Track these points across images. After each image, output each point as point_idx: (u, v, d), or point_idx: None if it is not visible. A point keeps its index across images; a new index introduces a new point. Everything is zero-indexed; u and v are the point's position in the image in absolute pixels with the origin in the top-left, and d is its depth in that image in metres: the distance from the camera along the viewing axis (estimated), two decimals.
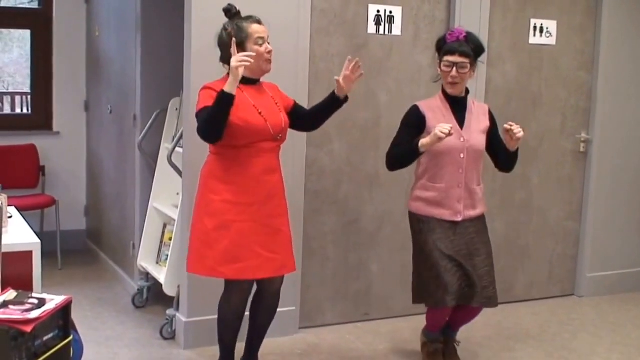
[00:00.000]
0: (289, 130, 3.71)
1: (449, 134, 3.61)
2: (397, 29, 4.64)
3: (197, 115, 3.46)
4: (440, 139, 3.62)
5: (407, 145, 3.81)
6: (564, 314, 5.15)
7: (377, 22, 4.58)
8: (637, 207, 5.65)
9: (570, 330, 4.83)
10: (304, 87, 4.36)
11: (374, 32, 4.58)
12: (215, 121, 3.35)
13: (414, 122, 3.86)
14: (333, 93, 3.70)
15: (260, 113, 3.48)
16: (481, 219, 3.98)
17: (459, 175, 3.84)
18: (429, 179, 3.87)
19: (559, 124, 5.31)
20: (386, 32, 4.62)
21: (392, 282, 4.81)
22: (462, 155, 3.83)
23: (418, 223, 3.92)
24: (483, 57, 3.93)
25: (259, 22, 3.51)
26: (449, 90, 3.85)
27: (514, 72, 5.06)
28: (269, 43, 3.51)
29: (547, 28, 5.15)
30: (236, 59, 3.30)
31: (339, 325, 4.69)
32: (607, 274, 5.57)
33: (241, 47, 3.44)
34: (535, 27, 5.12)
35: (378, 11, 4.57)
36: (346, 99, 3.71)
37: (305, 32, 4.35)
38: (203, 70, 4.04)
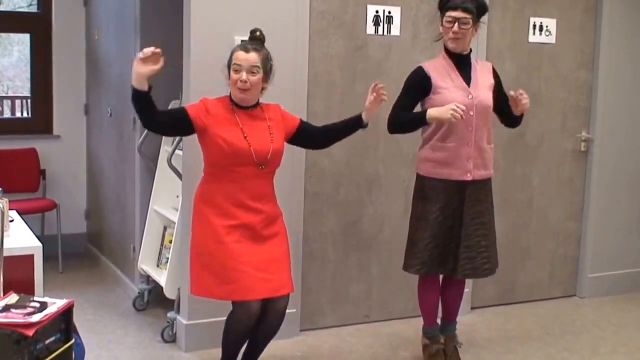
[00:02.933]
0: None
1: (461, 117, 3.62)
2: (395, 29, 4.64)
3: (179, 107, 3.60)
4: (449, 120, 3.63)
5: (412, 112, 3.82)
6: (566, 315, 5.14)
7: (376, 22, 4.58)
8: (639, 206, 5.64)
9: (572, 332, 4.82)
10: (303, 89, 4.36)
11: (373, 32, 4.58)
12: (136, 110, 3.45)
13: (419, 85, 3.85)
14: (360, 117, 3.68)
15: (245, 137, 3.48)
16: (488, 182, 3.98)
17: (468, 134, 3.82)
18: (438, 139, 3.84)
19: (559, 123, 5.31)
20: (385, 33, 4.61)
21: (393, 284, 4.81)
22: (471, 113, 3.81)
23: (424, 189, 3.91)
24: (485, 18, 3.91)
25: (246, 49, 3.48)
26: (451, 46, 3.84)
27: (513, 71, 5.05)
28: (253, 73, 3.46)
29: (546, 26, 5.15)
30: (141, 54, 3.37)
31: (340, 328, 4.69)
32: (609, 274, 5.56)
33: (228, 71, 3.52)
34: (534, 26, 5.12)
35: (377, 12, 4.57)
36: (366, 125, 3.72)
37: (304, 34, 4.34)
38: (202, 73, 4.04)
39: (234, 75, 3.48)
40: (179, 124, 3.52)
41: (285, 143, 3.66)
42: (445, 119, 3.68)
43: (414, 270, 3.96)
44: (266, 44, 3.58)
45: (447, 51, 3.88)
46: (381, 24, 4.59)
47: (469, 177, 3.86)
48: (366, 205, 4.72)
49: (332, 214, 4.62)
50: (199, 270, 3.57)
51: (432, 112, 3.72)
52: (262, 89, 3.56)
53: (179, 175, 4.38)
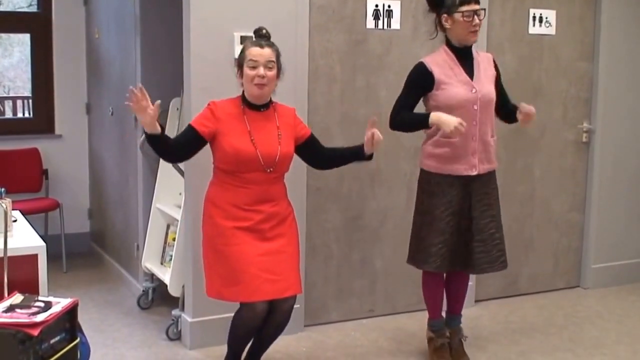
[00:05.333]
0: None
1: (460, 133, 3.63)
2: (396, 23, 4.63)
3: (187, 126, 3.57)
4: (451, 132, 3.62)
5: (415, 113, 3.81)
6: (570, 306, 5.14)
7: (376, 16, 4.57)
8: None
9: (576, 322, 4.83)
10: (303, 84, 4.36)
11: (373, 27, 4.57)
12: (157, 152, 3.47)
13: (421, 81, 3.83)
14: (362, 147, 3.61)
15: (252, 140, 3.45)
16: (493, 175, 3.98)
17: (473, 128, 3.81)
18: (443, 134, 3.80)
19: (561, 115, 5.30)
20: (385, 27, 4.61)
21: (397, 278, 4.81)
22: (475, 107, 3.80)
23: (430, 184, 3.89)
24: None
25: (260, 45, 3.46)
26: (472, 40, 3.82)
27: (513, 63, 5.05)
28: (270, 68, 3.44)
29: (546, 18, 5.14)
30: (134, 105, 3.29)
31: (344, 322, 4.69)
32: (613, 264, 5.56)
33: (240, 69, 3.49)
34: (534, 17, 5.11)
35: (376, 6, 4.56)
36: (371, 157, 3.65)
37: (304, 29, 4.34)
38: (203, 70, 4.04)
39: (250, 72, 3.43)
40: (193, 145, 3.49)
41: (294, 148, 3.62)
42: (446, 129, 3.65)
43: (428, 267, 3.91)
44: None
45: (449, 45, 3.87)
46: (381, 18, 4.59)
47: (474, 172, 3.85)
48: (369, 200, 4.72)
49: (335, 209, 4.62)
50: (209, 271, 3.58)
51: (435, 118, 3.69)
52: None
53: (182, 172, 4.38)
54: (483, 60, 3.94)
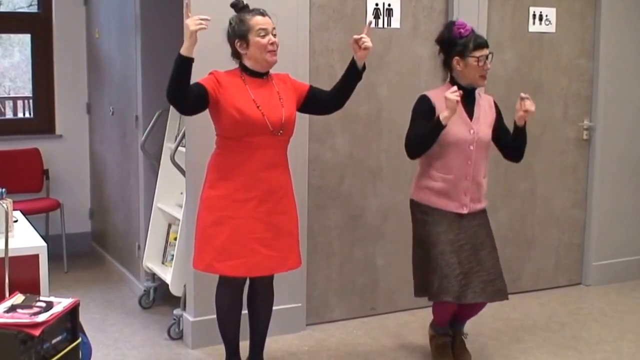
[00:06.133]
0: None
1: (460, 95, 3.64)
2: (396, 22, 4.63)
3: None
4: (456, 102, 3.63)
5: (425, 125, 3.79)
6: (572, 303, 5.14)
7: (376, 15, 4.57)
8: None
9: (578, 320, 4.82)
10: (305, 83, 4.35)
11: (373, 25, 4.56)
12: (175, 85, 3.35)
13: (426, 113, 3.82)
14: (353, 64, 3.66)
15: (258, 107, 3.46)
16: (484, 212, 3.97)
17: (467, 167, 3.83)
18: (437, 169, 3.83)
19: (561, 112, 5.30)
20: (385, 25, 4.60)
21: (398, 276, 4.81)
22: (471, 147, 3.82)
23: (422, 214, 3.90)
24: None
25: (262, 13, 3.49)
26: (481, 83, 3.85)
27: (514, 61, 5.04)
28: (274, 35, 3.49)
29: (546, 16, 5.14)
30: (193, 21, 3.29)
31: (346, 321, 4.69)
32: (614, 261, 5.56)
33: (244, 40, 3.47)
34: (534, 15, 5.11)
35: (377, 4, 4.56)
36: (364, 68, 3.69)
37: (305, 28, 4.34)
38: (203, 69, 4.03)
39: (261, 40, 3.44)
40: (199, 101, 3.46)
41: (296, 111, 3.65)
42: (453, 107, 3.66)
43: (446, 297, 3.76)
44: None
45: (454, 84, 3.83)
46: (381, 17, 4.59)
47: (465, 211, 3.85)
48: (370, 198, 4.71)
49: (337, 207, 4.62)
50: (201, 244, 3.56)
51: (444, 113, 3.69)
52: None
53: (183, 172, 4.38)
54: (484, 103, 3.95)
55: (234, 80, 3.52)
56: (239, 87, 3.49)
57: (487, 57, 3.79)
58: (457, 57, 3.80)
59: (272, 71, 3.63)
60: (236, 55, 3.55)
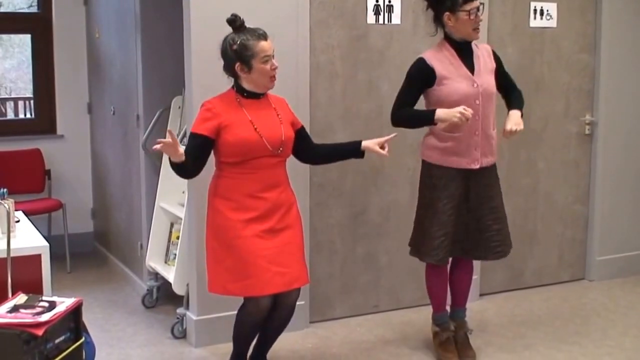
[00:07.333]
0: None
1: (467, 120, 3.63)
2: (396, 18, 4.62)
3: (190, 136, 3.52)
4: (457, 124, 3.62)
5: (419, 110, 3.81)
6: (575, 298, 5.13)
7: (377, 11, 4.56)
8: None
9: (582, 315, 4.82)
10: (305, 80, 4.35)
11: (374, 22, 4.56)
12: (182, 174, 3.47)
13: (422, 77, 3.82)
14: (359, 148, 3.70)
15: (256, 129, 3.44)
16: (494, 168, 3.98)
17: (475, 122, 3.80)
18: (446, 129, 3.77)
19: (563, 107, 5.29)
20: (386, 22, 4.60)
21: (401, 273, 4.81)
22: (477, 102, 3.79)
23: (431, 177, 3.90)
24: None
25: (265, 37, 3.43)
26: (475, 36, 3.83)
27: (515, 56, 5.03)
28: (273, 57, 3.46)
29: (547, 10, 5.13)
30: (160, 146, 3.25)
31: (349, 318, 4.69)
32: (618, 256, 5.55)
33: (247, 65, 3.41)
34: (535, 10, 5.10)
35: (377, 1, 4.55)
36: (363, 154, 3.73)
37: (305, 25, 4.33)
38: (204, 68, 4.03)
39: (265, 66, 3.42)
40: (204, 150, 3.46)
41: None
42: (452, 122, 3.65)
43: (430, 259, 3.93)
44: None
45: (448, 40, 3.86)
46: (382, 13, 4.58)
47: (477, 166, 3.85)
48: (372, 195, 4.71)
49: (339, 204, 4.62)
50: (213, 266, 3.55)
51: (440, 114, 3.69)
52: None
53: None
54: (483, 53, 3.93)
55: (230, 105, 3.48)
56: (235, 111, 3.45)
57: (477, 9, 3.76)
58: (447, 13, 3.78)
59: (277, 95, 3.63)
60: (233, 74, 3.49)
